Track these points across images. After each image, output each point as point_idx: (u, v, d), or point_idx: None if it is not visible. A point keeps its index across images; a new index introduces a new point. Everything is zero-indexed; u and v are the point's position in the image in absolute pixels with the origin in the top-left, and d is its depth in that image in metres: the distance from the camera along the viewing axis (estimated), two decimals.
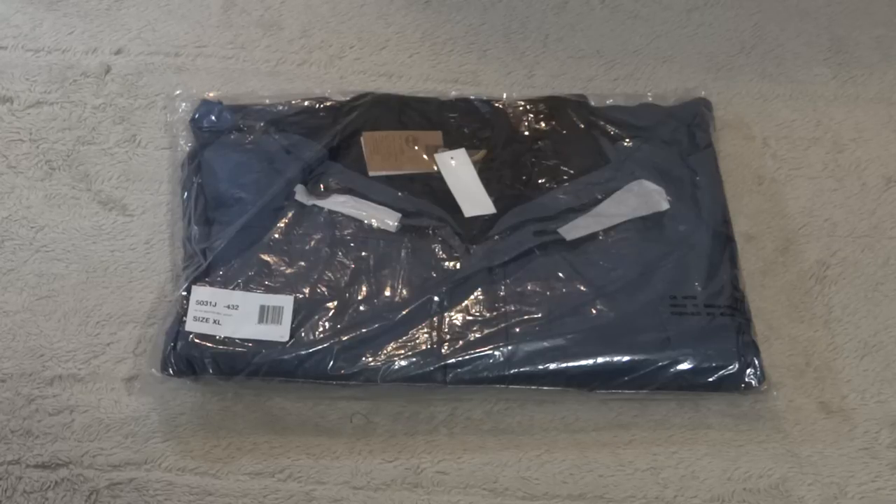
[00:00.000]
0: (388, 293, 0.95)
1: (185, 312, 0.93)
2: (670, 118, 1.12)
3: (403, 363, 0.91)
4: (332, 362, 0.91)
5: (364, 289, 0.95)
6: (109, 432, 0.92)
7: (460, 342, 0.92)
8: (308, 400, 0.94)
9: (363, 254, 0.97)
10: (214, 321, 0.92)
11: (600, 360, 0.91)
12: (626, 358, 0.91)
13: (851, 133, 1.19)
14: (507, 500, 0.89)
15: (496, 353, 0.91)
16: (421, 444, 0.92)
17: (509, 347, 0.92)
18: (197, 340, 0.92)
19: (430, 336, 0.92)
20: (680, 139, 1.09)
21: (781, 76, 1.25)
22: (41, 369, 0.96)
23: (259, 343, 0.91)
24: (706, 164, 1.07)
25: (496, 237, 0.99)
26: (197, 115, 1.11)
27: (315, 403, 0.94)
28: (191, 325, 0.92)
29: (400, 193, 1.02)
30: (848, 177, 1.15)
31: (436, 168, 1.05)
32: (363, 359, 0.91)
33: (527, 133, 1.10)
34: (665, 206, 1.02)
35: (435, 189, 1.04)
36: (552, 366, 0.91)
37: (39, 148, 1.13)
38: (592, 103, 1.13)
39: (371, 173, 1.04)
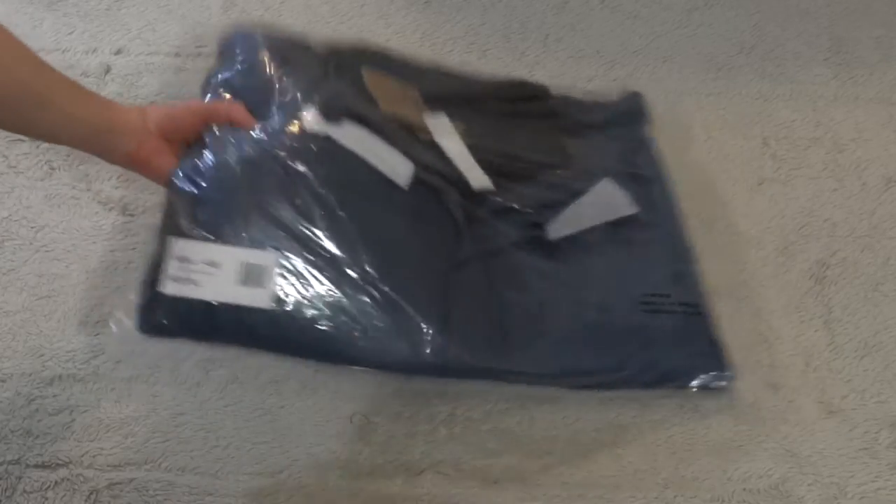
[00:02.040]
0: (384, 259, 0.83)
1: (160, 267, 0.83)
2: (616, 115, 1.11)
3: (395, 346, 0.82)
4: (316, 336, 0.81)
5: (362, 253, 0.82)
6: (109, 432, 0.93)
7: (456, 332, 0.85)
8: (308, 400, 0.94)
9: (366, 206, 0.84)
10: (192, 281, 0.81)
11: (584, 358, 0.91)
12: (607, 358, 0.92)
13: (851, 133, 1.19)
14: (507, 500, 0.89)
15: (489, 343, 0.88)
16: (421, 444, 0.92)
17: (501, 340, 0.89)
18: (171, 301, 0.81)
19: (428, 320, 0.83)
20: (628, 139, 1.09)
21: (781, 76, 1.25)
22: (41, 369, 0.96)
23: (239, 309, 0.81)
24: (652, 160, 1.07)
25: (488, 221, 0.93)
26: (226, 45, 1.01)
27: (315, 403, 0.94)
28: (167, 286, 0.82)
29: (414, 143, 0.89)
30: (848, 177, 1.15)
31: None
32: (353, 335, 0.82)
33: (498, 116, 1.05)
34: (631, 210, 0.99)
35: (435, 149, 0.92)
36: (532, 360, 0.89)
37: (39, 148, 1.13)
38: (553, 99, 1.12)
39: (383, 110, 0.90)
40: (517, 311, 0.92)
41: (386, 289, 0.82)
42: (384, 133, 0.87)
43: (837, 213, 1.11)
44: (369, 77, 0.94)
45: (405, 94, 0.93)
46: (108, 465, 0.91)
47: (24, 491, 0.89)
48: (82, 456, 0.91)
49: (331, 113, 0.86)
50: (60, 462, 0.91)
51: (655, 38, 1.28)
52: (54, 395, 0.95)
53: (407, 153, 0.87)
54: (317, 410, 0.94)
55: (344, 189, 0.83)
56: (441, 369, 0.86)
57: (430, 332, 0.82)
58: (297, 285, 0.81)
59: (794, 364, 0.99)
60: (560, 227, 0.96)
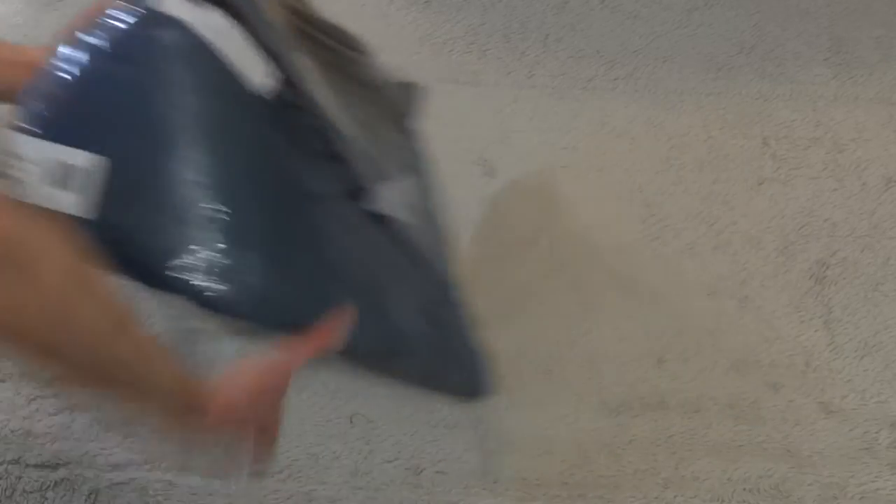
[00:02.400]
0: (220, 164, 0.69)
1: None
2: (391, 101, 0.97)
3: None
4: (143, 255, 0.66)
5: (198, 157, 0.68)
6: (109, 432, 0.92)
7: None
8: (308, 400, 0.94)
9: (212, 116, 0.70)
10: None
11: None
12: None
13: (851, 133, 1.19)
14: (507, 499, 0.89)
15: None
16: (421, 444, 0.92)
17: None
18: None
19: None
20: (400, 114, 0.96)
21: (781, 76, 1.25)
22: (41, 369, 0.96)
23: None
24: (422, 164, 0.96)
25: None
26: None
27: (315, 402, 0.94)
28: None
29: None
30: (848, 177, 1.15)
31: None
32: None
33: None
34: (407, 211, 0.86)
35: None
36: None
37: None
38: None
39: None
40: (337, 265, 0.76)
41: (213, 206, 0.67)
42: (265, 33, 0.73)
43: (837, 213, 1.11)
44: None
45: None
46: (108, 465, 0.90)
47: (24, 491, 0.89)
48: (82, 456, 0.91)
49: None
50: (60, 462, 0.90)
51: (655, 38, 1.28)
52: (54, 395, 0.95)
53: (287, 61, 0.73)
54: (317, 410, 0.94)
55: (189, 95, 0.69)
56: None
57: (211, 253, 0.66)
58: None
59: (794, 364, 0.99)
60: (380, 200, 0.82)
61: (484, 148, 1.15)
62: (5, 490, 0.88)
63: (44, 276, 0.49)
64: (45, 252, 0.50)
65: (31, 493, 0.88)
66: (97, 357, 0.56)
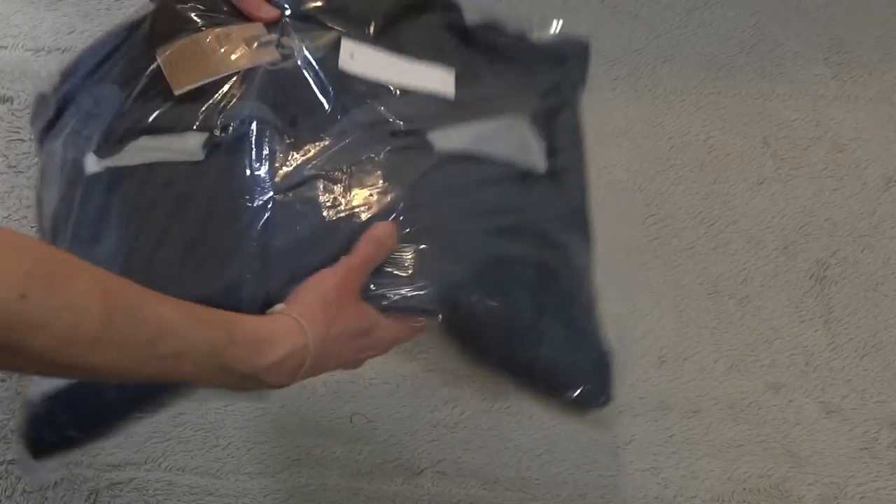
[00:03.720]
0: (189, 237, 0.68)
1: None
2: (543, 60, 0.88)
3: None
4: None
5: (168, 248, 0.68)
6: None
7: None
8: (309, 400, 0.94)
9: (167, 209, 0.69)
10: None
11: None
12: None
13: (851, 133, 1.19)
14: (508, 500, 0.89)
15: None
16: (421, 444, 0.92)
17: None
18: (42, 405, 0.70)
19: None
20: (552, 90, 0.86)
21: (781, 76, 1.25)
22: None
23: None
24: (570, 130, 0.86)
25: (338, 134, 0.73)
26: (34, 115, 0.85)
27: (316, 403, 0.94)
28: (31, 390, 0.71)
29: (213, 105, 0.73)
30: (848, 177, 1.15)
31: (269, 59, 0.77)
32: None
33: (382, 25, 0.82)
34: (542, 167, 0.79)
35: (273, 83, 0.76)
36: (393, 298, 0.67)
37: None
38: (466, 17, 0.87)
39: (177, 92, 0.75)
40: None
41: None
42: (170, 124, 0.74)
43: (838, 212, 1.11)
44: (163, 56, 0.78)
45: (214, 47, 0.78)
46: (108, 465, 0.90)
47: (24, 491, 0.89)
48: (82, 456, 0.91)
49: (110, 147, 0.75)
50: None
51: (655, 38, 1.28)
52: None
53: (197, 126, 0.72)
54: (317, 410, 0.94)
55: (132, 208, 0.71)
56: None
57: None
58: None
59: (794, 364, 0.99)
60: (448, 138, 0.75)
61: None
62: (5, 490, 0.88)
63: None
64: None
65: (31, 493, 0.88)
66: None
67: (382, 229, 0.66)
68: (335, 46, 0.77)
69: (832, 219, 1.11)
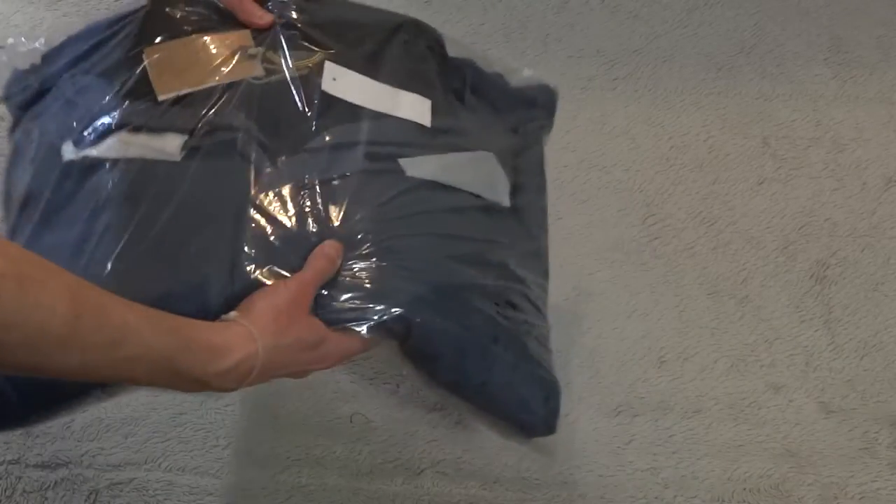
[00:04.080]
0: (171, 231, 0.70)
1: None
2: (516, 98, 0.93)
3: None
4: None
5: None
6: (109, 432, 0.92)
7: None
8: (308, 400, 0.94)
9: (138, 205, 0.71)
10: None
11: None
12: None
13: (851, 133, 1.19)
14: (507, 500, 0.89)
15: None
16: (421, 444, 0.92)
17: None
18: None
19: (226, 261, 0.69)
20: (520, 128, 0.91)
21: (781, 76, 1.25)
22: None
23: None
24: (534, 168, 0.90)
25: (314, 151, 0.75)
26: (8, 91, 0.85)
27: (315, 403, 0.94)
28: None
29: (195, 111, 0.76)
30: (848, 177, 1.15)
31: (254, 73, 0.79)
32: None
33: (368, 49, 0.84)
34: (506, 202, 0.82)
35: (256, 97, 0.77)
36: (354, 305, 0.70)
37: None
38: (448, 51, 0.91)
39: (161, 97, 0.77)
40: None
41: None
42: (151, 124, 0.75)
43: (838, 212, 1.11)
44: (151, 56, 0.79)
45: (199, 54, 0.80)
46: (108, 465, 0.90)
47: (24, 491, 0.89)
48: (82, 456, 0.91)
49: (90, 138, 0.76)
50: (60, 462, 0.90)
51: (655, 38, 1.28)
52: None
53: (176, 128, 0.75)
54: (317, 410, 0.94)
55: (109, 203, 0.72)
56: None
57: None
58: None
59: (794, 364, 0.99)
60: (419, 166, 0.78)
61: None
62: (5, 490, 0.88)
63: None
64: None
65: (31, 493, 0.88)
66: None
67: (331, 246, 0.69)
68: (319, 67, 0.80)
69: (832, 219, 1.11)
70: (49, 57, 0.85)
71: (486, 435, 0.93)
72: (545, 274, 0.85)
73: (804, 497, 0.90)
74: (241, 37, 0.81)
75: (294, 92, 0.78)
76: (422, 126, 0.82)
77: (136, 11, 0.83)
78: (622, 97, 1.22)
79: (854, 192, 1.13)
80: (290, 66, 0.79)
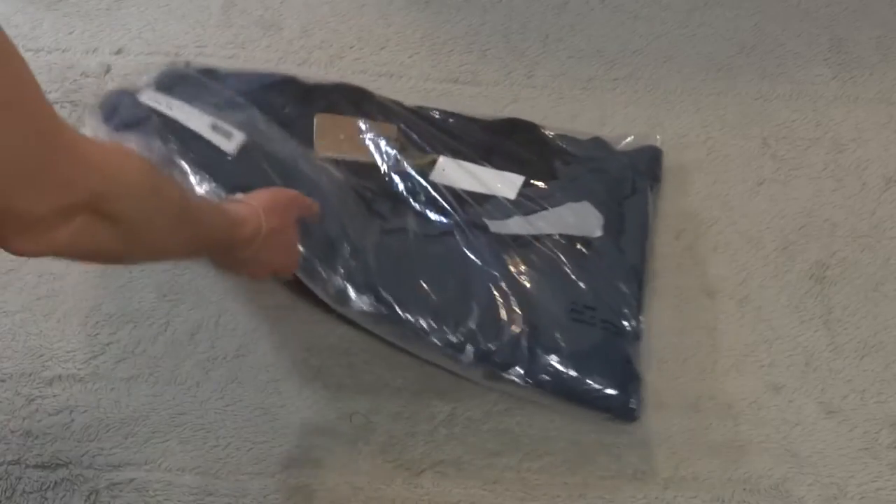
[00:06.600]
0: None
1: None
2: (618, 157, 1.10)
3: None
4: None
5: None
6: (109, 432, 0.92)
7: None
8: (308, 399, 0.94)
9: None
10: (167, 105, 0.98)
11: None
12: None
13: (851, 133, 1.19)
14: (507, 500, 0.89)
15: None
16: (421, 444, 0.92)
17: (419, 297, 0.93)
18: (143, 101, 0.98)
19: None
20: (623, 179, 1.07)
21: (781, 76, 1.25)
22: (41, 369, 0.96)
23: (204, 141, 0.94)
24: (636, 209, 1.05)
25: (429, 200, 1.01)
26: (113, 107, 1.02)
27: (315, 403, 0.94)
28: (144, 96, 0.99)
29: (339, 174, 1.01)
30: (848, 177, 1.15)
31: (381, 160, 1.05)
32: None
33: (481, 144, 1.09)
34: (598, 232, 1.00)
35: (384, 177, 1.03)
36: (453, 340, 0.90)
37: None
38: (546, 132, 1.12)
39: (320, 156, 1.03)
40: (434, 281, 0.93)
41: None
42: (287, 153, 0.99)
43: (837, 213, 1.11)
44: (319, 120, 1.05)
45: (355, 133, 1.05)
46: (107, 466, 0.90)
47: (24, 491, 0.89)
48: (82, 456, 0.91)
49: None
50: (60, 462, 0.90)
51: (655, 38, 1.28)
52: (54, 395, 0.95)
53: (321, 174, 0.99)
54: (317, 410, 0.94)
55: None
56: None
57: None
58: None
59: (794, 364, 0.99)
60: (503, 224, 1.00)
61: None
62: (5, 491, 0.88)
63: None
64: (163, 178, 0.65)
65: (31, 493, 0.88)
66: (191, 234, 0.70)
67: (317, 207, 0.91)
68: (432, 162, 1.05)
69: (832, 219, 1.11)
70: (209, 75, 1.09)
71: (486, 435, 0.93)
72: (640, 286, 0.98)
73: (804, 497, 0.90)
74: (389, 128, 1.07)
75: (403, 180, 1.03)
76: (507, 198, 1.02)
77: (291, 79, 1.10)
78: (622, 97, 1.22)
79: (854, 193, 1.13)
80: (408, 163, 1.03)
